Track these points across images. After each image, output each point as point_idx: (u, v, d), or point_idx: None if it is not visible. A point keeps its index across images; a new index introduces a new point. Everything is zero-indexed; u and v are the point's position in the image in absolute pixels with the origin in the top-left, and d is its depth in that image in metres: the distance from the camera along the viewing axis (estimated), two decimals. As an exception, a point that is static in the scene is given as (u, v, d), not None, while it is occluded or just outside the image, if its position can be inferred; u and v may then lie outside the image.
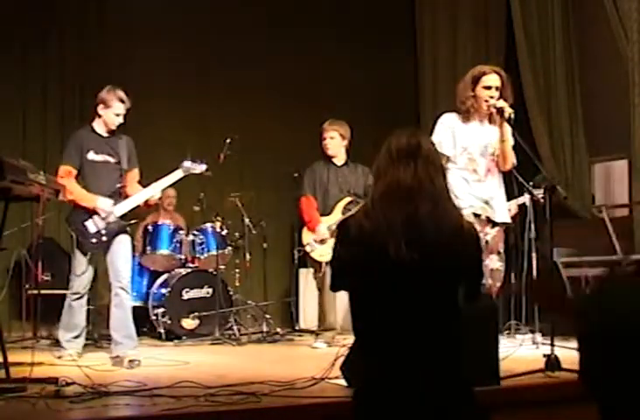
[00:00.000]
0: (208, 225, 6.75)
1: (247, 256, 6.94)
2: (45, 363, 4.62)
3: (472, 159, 4.52)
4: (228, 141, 6.56)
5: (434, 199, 2.55)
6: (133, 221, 5.10)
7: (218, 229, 6.74)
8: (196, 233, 6.75)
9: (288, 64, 8.15)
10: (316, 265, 5.89)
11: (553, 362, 3.97)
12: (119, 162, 5.03)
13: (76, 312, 5.04)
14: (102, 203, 4.89)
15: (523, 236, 6.18)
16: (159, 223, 6.72)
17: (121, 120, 5.00)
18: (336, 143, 5.99)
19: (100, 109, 4.99)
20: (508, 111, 4.39)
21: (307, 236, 5.91)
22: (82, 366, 4.22)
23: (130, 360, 4.66)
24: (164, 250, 6.59)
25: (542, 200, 5.64)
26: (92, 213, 4.91)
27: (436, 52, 8.75)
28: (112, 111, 4.96)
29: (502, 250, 4.60)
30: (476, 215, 4.45)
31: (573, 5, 8.08)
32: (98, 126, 5.04)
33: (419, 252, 2.41)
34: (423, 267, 2.42)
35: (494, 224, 4.55)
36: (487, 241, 4.47)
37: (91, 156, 4.98)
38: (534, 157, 4.53)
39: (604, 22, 7.24)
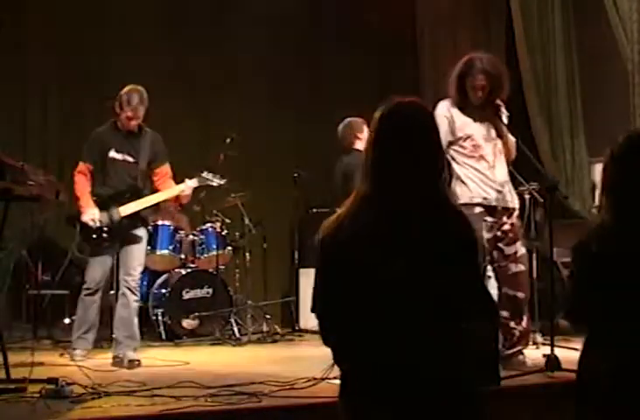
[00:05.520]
0: (208, 225, 6.75)
1: (247, 256, 6.94)
2: (45, 363, 4.62)
3: (477, 145, 4.43)
4: (228, 141, 6.56)
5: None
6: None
7: (218, 229, 6.74)
8: (196, 233, 6.75)
9: (288, 64, 8.15)
10: None
11: (553, 362, 3.97)
12: (137, 162, 5.04)
13: (87, 307, 5.04)
14: (85, 217, 4.93)
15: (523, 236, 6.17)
16: (159, 223, 6.71)
17: (133, 123, 4.97)
18: None
19: (117, 109, 4.99)
20: (503, 112, 4.39)
21: None
22: (82, 366, 4.23)
23: (130, 361, 4.66)
24: (164, 250, 6.59)
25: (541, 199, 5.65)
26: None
27: (436, 54, 8.75)
28: (124, 113, 4.95)
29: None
30: (492, 207, 4.39)
31: (573, 5, 8.08)
32: (119, 124, 5.05)
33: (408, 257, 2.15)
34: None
35: (507, 211, 4.46)
36: (507, 230, 4.40)
37: (112, 154, 5.01)
38: (534, 159, 4.52)
39: (604, 22, 7.23)
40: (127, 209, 4.97)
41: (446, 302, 2.19)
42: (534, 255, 5.96)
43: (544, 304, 5.71)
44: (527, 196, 5.76)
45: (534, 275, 5.92)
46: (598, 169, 8.37)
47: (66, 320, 6.60)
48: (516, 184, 5.66)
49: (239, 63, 8.03)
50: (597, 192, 8.12)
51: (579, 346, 5.26)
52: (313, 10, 8.39)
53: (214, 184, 5.45)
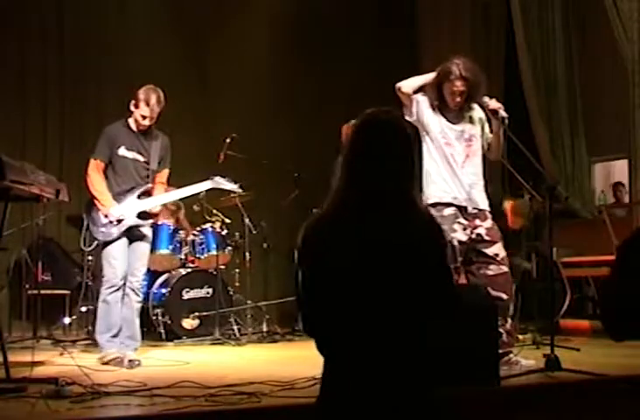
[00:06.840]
0: (208, 225, 6.75)
1: (247, 256, 6.93)
2: (45, 363, 4.63)
3: (449, 144, 4.38)
4: (228, 140, 6.56)
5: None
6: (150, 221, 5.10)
7: (218, 229, 6.74)
8: (196, 233, 6.75)
9: (288, 63, 8.15)
10: None
11: (553, 362, 3.97)
12: (148, 162, 5.03)
13: (112, 308, 4.89)
14: (114, 211, 4.88)
15: (522, 236, 6.18)
16: (159, 223, 6.70)
17: (146, 122, 4.95)
18: None
19: (132, 107, 4.97)
20: (502, 115, 4.36)
21: None
22: (82, 366, 4.23)
23: (130, 360, 4.66)
24: (164, 250, 6.59)
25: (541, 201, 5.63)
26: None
27: (437, 53, 8.75)
28: (138, 112, 4.94)
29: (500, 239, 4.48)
30: (463, 208, 4.37)
31: (573, 5, 8.09)
32: (132, 122, 5.03)
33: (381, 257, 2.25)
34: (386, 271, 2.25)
35: (481, 212, 4.39)
36: (484, 234, 4.35)
37: (122, 151, 4.97)
38: (534, 160, 4.50)
39: (604, 22, 7.24)
40: (135, 207, 4.95)
41: (417, 300, 2.26)
42: (534, 254, 5.96)
43: (544, 304, 5.71)
44: (527, 196, 5.78)
45: (534, 275, 5.93)
46: (598, 169, 8.39)
47: (66, 320, 6.61)
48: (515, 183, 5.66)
49: (239, 63, 8.03)
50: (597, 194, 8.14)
51: (579, 346, 5.26)
52: (313, 10, 8.39)
53: (227, 188, 5.48)
